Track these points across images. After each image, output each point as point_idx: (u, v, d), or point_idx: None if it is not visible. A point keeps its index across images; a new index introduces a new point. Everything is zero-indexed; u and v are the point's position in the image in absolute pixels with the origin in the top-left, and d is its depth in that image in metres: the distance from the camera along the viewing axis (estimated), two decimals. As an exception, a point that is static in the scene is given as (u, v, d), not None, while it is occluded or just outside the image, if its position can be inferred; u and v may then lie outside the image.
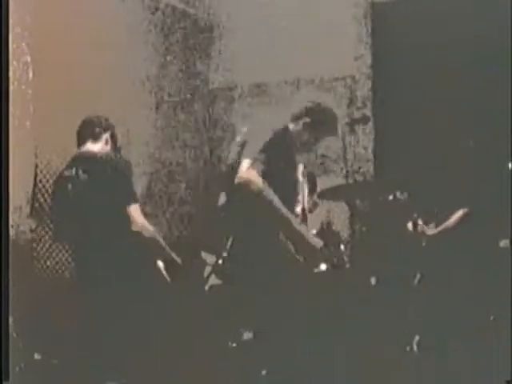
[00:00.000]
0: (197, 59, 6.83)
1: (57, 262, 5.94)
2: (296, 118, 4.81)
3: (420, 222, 5.58)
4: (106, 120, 4.98)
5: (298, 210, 4.78)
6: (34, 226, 5.80)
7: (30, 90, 5.43)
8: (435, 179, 5.54)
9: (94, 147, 4.87)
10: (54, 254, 5.93)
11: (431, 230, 5.75)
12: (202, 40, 6.88)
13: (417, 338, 5.18)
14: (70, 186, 4.73)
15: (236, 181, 4.36)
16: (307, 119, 4.80)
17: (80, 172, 4.71)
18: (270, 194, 4.40)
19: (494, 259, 5.25)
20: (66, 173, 4.79)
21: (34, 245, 5.80)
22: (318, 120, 4.81)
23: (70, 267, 5.90)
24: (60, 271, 5.94)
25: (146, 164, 6.53)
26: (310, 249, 4.70)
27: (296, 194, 4.82)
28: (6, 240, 3.84)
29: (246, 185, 4.34)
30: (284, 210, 4.48)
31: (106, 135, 4.92)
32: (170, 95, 6.69)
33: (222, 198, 4.69)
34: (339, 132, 5.04)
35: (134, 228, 4.62)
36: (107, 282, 4.57)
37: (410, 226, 5.52)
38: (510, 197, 5.19)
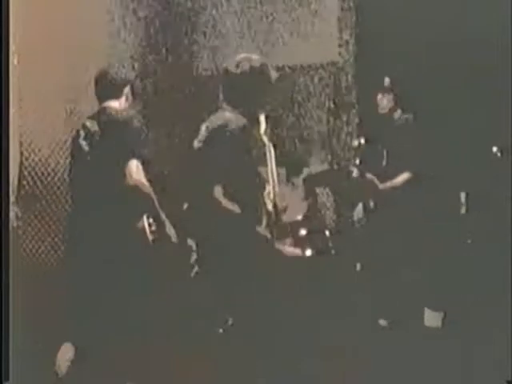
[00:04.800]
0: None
1: (43, 250, 5.96)
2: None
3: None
4: (126, 73, 4.81)
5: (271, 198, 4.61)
6: (20, 214, 5.81)
7: (15, 78, 5.43)
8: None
9: (114, 103, 4.62)
10: (39, 242, 5.95)
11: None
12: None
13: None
14: (82, 137, 4.57)
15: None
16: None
17: (91, 125, 4.56)
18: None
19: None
20: (86, 124, 4.63)
21: (20, 232, 5.81)
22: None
23: (56, 253, 5.92)
24: (47, 257, 5.96)
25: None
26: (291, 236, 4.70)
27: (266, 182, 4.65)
28: (7, 242, 3.80)
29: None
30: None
31: (127, 89, 4.66)
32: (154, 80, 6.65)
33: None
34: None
35: (130, 182, 4.37)
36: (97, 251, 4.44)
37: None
38: None
